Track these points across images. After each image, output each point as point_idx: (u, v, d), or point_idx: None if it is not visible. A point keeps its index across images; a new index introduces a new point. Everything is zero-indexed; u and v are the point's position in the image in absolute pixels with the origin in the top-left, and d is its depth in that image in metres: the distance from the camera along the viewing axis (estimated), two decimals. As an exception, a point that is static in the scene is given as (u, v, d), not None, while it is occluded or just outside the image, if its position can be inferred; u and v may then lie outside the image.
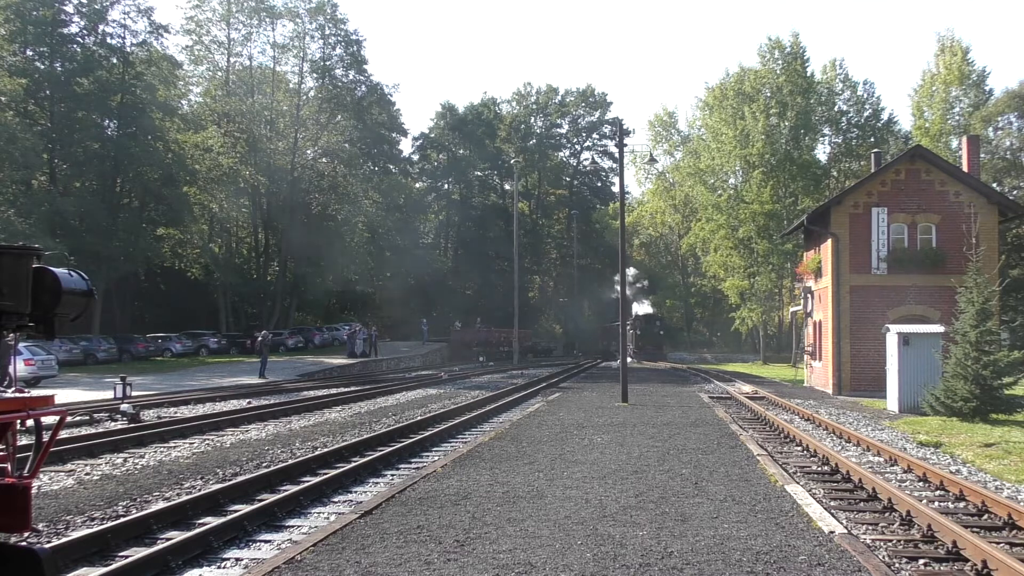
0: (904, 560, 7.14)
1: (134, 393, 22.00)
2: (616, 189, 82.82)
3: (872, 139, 57.10)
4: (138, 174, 46.89)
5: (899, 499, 8.87)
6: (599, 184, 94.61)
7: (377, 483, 10.98)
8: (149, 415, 19.15)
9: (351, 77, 63.97)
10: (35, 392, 5.39)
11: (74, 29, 47.09)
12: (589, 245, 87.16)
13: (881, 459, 12.95)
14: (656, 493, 9.20)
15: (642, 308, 71.19)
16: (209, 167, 51.89)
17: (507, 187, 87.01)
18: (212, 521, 8.22)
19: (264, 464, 12.08)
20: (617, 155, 33.94)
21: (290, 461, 11.96)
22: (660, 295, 75.80)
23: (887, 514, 8.89)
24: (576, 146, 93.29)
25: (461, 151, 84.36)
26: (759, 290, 54.39)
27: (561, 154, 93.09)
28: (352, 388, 27.98)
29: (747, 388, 29.16)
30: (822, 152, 59.82)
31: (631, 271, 73.57)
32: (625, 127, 25.25)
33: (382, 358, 46.89)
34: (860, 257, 27.78)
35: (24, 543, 6.35)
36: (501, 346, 60.62)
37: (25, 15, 43.14)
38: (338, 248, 58.27)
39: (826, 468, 11.87)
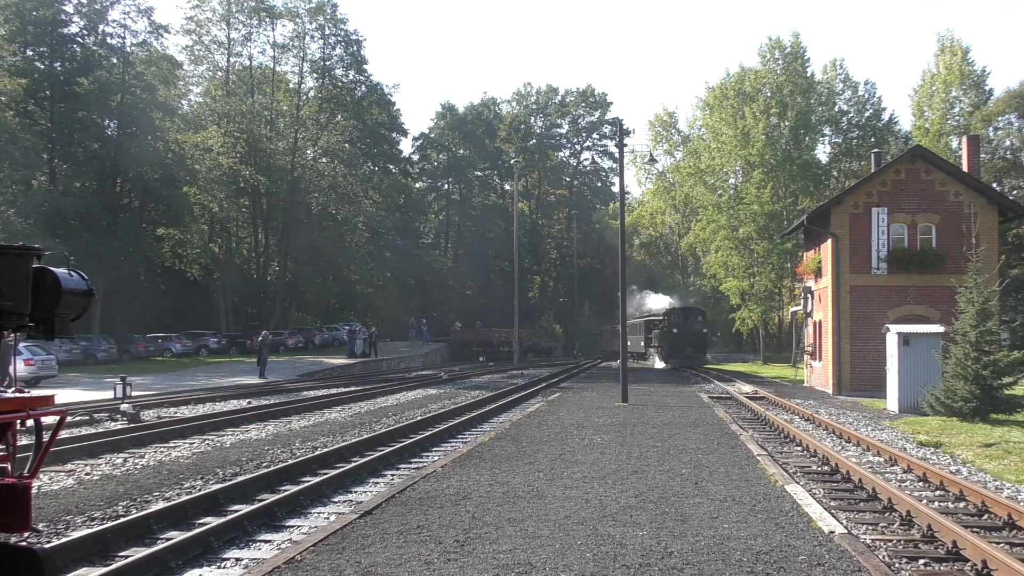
0: (904, 560, 7.14)
1: (134, 393, 22.00)
2: (616, 189, 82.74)
3: (872, 139, 56.96)
4: (138, 174, 46.87)
5: (899, 499, 8.87)
6: (599, 184, 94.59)
7: (377, 483, 10.99)
8: (149, 415, 19.14)
9: (351, 77, 63.96)
10: (35, 392, 5.39)
11: (74, 29, 47.17)
12: (589, 245, 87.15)
13: (881, 459, 12.95)
14: (656, 493, 9.20)
15: (658, 301, 66.81)
16: (209, 167, 51.85)
17: (507, 187, 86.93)
18: (212, 521, 8.22)
19: (264, 464, 12.08)
20: (617, 155, 33.94)
21: (290, 461, 11.96)
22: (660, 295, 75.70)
23: (887, 514, 8.89)
24: (576, 146, 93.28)
25: (461, 151, 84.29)
26: (759, 290, 54.32)
27: (561, 154, 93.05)
28: (352, 388, 27.97)
29: (747, 388, 29.15)
30: (822, 152, 59.75)
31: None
32: (625, 127, 25.25)
33: (382, 358, 46.87)
34: (860, 257, 27.77)
35: (24, 543, 6.35)
36: (501, 346, 60.55)
37: (25, 15, 43.16)
38: (338, 248, 58.25)
39: (826, 468, 11.87)
